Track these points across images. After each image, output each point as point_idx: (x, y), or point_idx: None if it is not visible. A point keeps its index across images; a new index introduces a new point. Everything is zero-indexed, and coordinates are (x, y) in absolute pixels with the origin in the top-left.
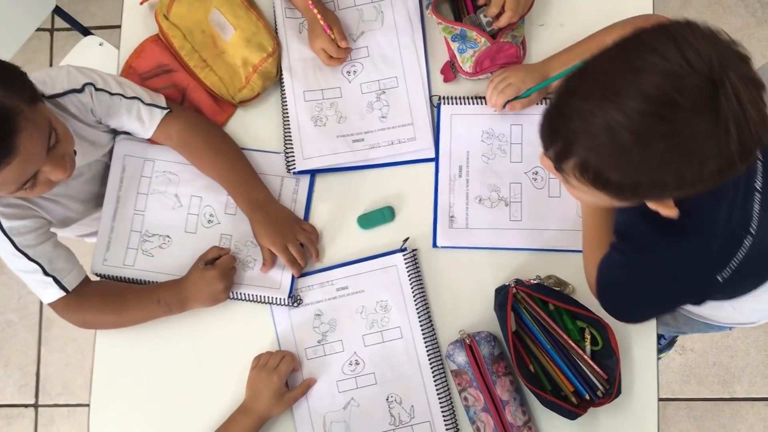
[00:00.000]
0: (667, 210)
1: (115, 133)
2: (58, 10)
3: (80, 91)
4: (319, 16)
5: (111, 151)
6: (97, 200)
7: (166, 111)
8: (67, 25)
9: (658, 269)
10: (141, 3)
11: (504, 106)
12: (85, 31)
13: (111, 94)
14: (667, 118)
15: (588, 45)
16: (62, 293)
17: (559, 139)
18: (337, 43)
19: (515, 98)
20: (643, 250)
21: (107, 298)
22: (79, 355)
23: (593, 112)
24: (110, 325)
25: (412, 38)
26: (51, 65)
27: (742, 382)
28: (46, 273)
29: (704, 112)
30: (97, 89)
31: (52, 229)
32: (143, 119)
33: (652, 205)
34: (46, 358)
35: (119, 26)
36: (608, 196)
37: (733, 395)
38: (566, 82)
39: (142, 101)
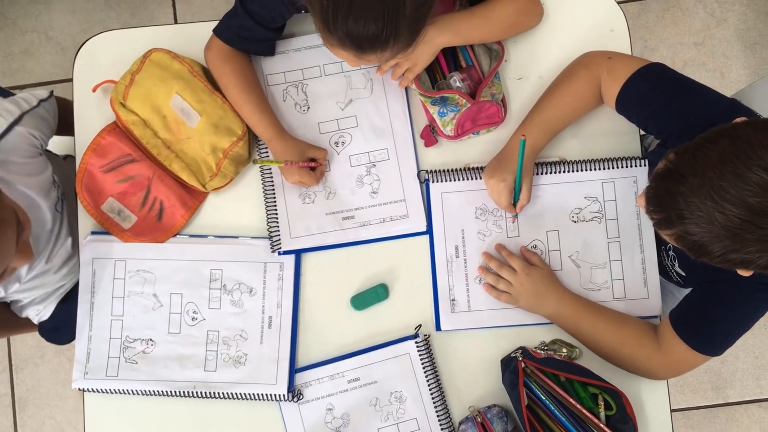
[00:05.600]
0: (746, 273)
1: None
2: None
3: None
4: (282, 164)
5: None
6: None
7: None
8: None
9: (747, 294)
10: (93, 90)
11: (516, 214)
12: None
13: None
14: (762, 225)
15: (553, 104)
16: None
17: (661, 213)
18: (312, 168)
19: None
20: (732, 280)
21: None
22: None
23: (698, 206)
24: None
25: (402, 107)
26: None
27: (735, 386)
28: None
29: None
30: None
31: None
32: None
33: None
34: None
35: (61, 81)
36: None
37: (726, 400)
38: (676, 161)
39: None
